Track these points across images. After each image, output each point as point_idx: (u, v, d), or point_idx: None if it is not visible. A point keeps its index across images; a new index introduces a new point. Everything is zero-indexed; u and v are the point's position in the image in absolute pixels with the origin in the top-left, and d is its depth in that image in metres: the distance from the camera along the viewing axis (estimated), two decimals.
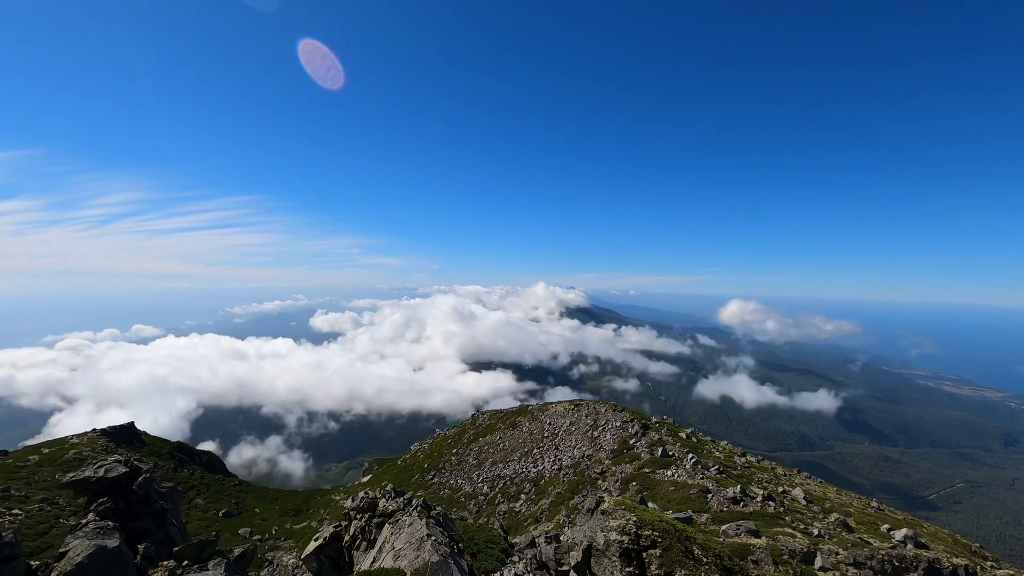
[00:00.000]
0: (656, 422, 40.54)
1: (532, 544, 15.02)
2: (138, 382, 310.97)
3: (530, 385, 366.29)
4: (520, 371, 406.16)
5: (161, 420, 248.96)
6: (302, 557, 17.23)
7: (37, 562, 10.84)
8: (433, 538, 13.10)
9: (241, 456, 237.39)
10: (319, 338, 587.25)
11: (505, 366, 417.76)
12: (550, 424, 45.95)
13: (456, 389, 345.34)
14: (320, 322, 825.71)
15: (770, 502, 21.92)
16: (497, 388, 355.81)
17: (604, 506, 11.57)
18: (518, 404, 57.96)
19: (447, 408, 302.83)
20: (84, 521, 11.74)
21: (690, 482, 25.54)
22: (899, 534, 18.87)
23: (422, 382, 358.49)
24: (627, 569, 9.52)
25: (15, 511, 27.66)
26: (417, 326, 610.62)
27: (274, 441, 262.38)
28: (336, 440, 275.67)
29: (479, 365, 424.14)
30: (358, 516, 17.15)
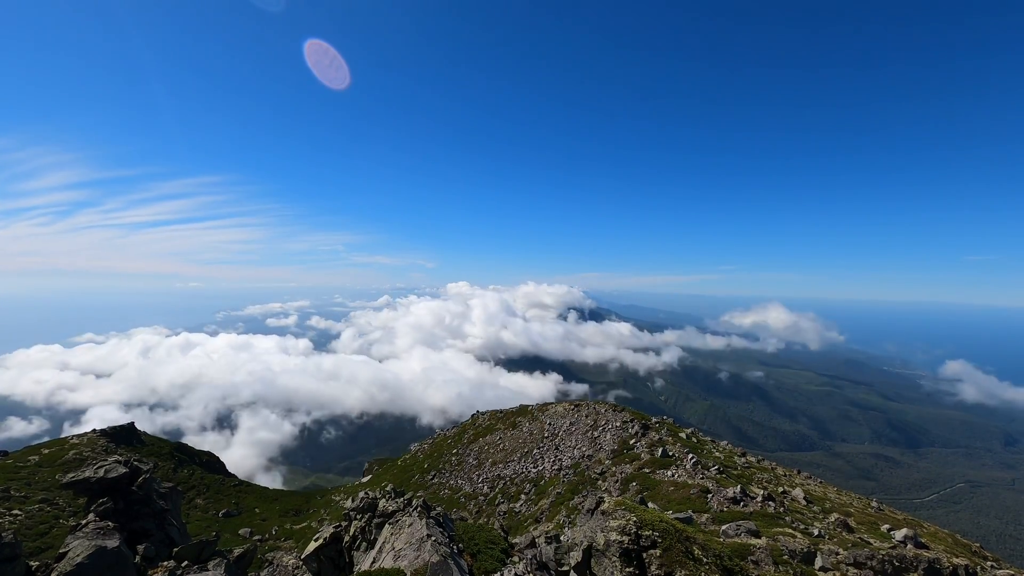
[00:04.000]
0: (656, 422, 40.52)
1: (532, 544, 15.03)
2: (169, 383, 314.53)
3: (530, 384, 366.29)
4: (519, 370, 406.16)
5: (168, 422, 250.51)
6: (302, 557, 17.22)
7: (37, 562, 10.84)
8: (433, 538, 13.09)
9: (244, 456, 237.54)
10: (324, 338, 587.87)
11: (505, 365, 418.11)
12: (550, 424, 45.94)
13: (456, 388, 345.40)
14: (329, 323, 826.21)
15: (770, 502, 21.92)
16: (496, 387, 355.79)
17: (604, 506, 11.58)
18: (517, 404, 57.93)
19: (447, 407, 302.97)
20: (84, 521, 11.74)
21: (690, 482, 25.53)
22: (899, 534, 18.86)
23: (422, 381, 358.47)
24: (627, 569, 9.52)
25: (15, 511, 27.65)
26: (418, 325, 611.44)
27: (276, 442, 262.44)
28: (336, 440, 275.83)
29: (479, 364, 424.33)
30: (358, 516, 17.14)
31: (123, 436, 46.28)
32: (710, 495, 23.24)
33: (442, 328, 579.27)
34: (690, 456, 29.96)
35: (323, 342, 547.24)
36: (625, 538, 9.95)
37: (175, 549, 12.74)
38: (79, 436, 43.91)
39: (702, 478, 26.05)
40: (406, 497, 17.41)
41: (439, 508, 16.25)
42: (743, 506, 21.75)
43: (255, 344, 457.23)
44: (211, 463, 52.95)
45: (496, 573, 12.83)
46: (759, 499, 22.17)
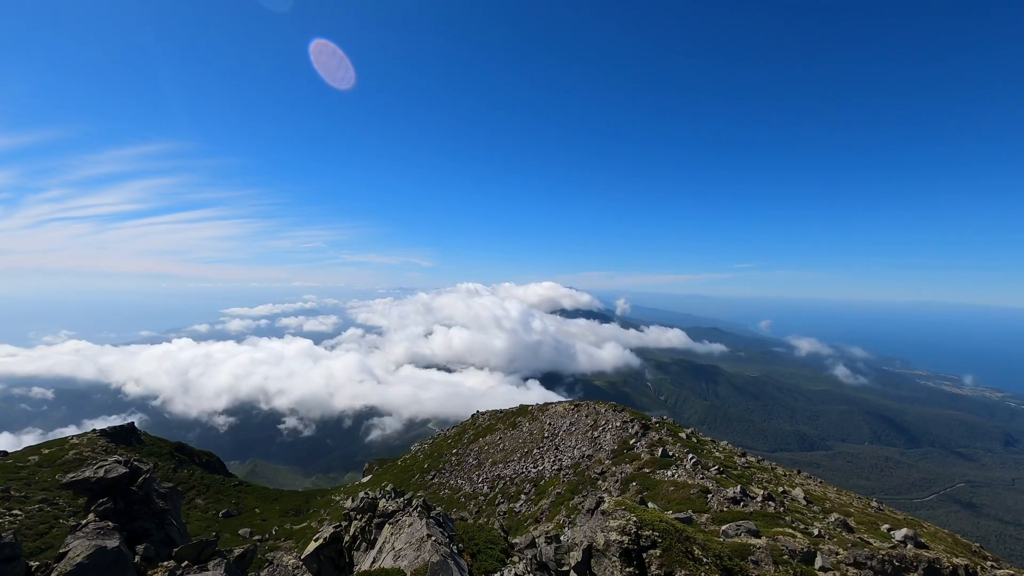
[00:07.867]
0: (656, 422, 40.50)
1: (532, 544, 15.02)
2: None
3: (528, 384, 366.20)
4: (518, 370, 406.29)
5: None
6: (302, 557, 17.23)
7: (37, 562, 10.83)
8: (433, 538, 13.09)
9: (242, 456, 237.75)
10: (323, 339, 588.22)
11: (504, 365, 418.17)
12: (550, 424, 45.93)
13: (454, 388, 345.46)
14: (332, 321, 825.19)
15: (770, 502, 21.91)
16: (495, 387, 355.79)
17: (604, 506, 11.58)
18: (517, 404, 57.92)
19: (446, 408, 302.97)
20: (84, 521, 11.73)
21: (690, 482, 25.51)
22: (899, 534, 18.86)
23: (422, 381, 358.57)
24: (627, 569, 9.53)
25: (15, 511, 27.65)
26: (417, 325, 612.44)
27: (276, 441, 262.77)
28: (335, 440, 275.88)
29: (479, 365, 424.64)
30: (358, 516, 17.14)
31: (123, 436, 46.27)
32: (710, 495, 23.23)
33: (431, 327, 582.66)
34: (690, 456, 29.94)
35: (319, 341, 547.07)
36: (625, 538, 9.96)
37: (175, 549, 12.73)
38: (79, 436, 43.92)
39: (702, 478, 26.04)
40: (406, 497, 17.41)
41: (439, 508, 16.25)
42: (743, 506, 21.74)
43: (264, 345, 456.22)
44: (211, 463, 52.96)
45: (496, 573, 12.83)
46: (759, 499, 22.16)
